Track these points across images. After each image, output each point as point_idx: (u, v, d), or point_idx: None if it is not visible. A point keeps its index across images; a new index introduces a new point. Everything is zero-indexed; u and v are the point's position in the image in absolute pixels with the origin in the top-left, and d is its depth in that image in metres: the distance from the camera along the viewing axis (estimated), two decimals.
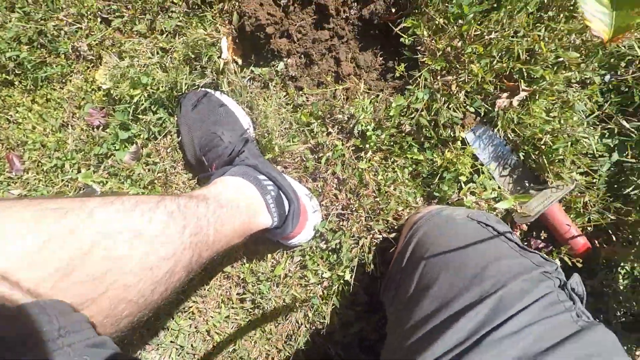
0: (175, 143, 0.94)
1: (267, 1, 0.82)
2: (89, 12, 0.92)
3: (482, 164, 0.86)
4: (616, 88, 0.84)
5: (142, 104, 0.90)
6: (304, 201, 0.86)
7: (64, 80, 0.99)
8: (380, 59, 0.92)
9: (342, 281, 0.89)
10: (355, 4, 0.88)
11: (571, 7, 0.76)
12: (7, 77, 0.98)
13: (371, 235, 0.88)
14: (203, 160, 0.88)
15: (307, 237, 0.87)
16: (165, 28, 0.86)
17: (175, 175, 0.96)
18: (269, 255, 0.93)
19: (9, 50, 0.93)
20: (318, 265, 0.90)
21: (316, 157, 0.92)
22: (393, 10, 0.86)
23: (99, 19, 0.93)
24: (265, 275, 0.92)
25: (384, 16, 0.86)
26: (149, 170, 0.95)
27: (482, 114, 0.83)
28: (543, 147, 0.78)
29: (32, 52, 0.94)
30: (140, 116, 0.92)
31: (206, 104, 0.89)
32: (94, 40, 0.93)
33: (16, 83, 1.00)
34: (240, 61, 0.90)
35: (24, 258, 0.38)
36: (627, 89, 0.84)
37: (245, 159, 0.83)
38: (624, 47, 0.77)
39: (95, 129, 0.98)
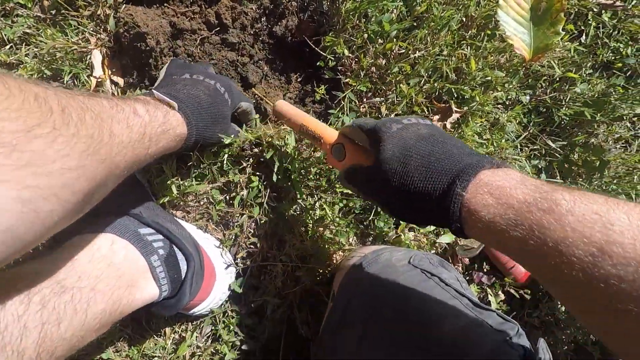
0: None
1: (153, 10, 0.66)
2: None
3: None
4: (535, 109, 0.83)
5: None
6: (211, 256, 0.67)
7: None
8: (298, 83, 0.81)
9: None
10: (264, 19, 0.76)
11: (491, 27, 0.73)
12: None
13: (300, 289, 0.72)
14: None
15: (217, 302, 0.68)
16: (8, 37, 0.64)
17: None
18: (168, 330, 0.71)
19: None
20: (236, 334, 0.71)
21: (227, 198, 0.75)
22: (309, 26, 0.76)
23: None
24: (165, 358, 0.70)
25: (299, 33, 0.76)
26: None
27: None
28: None
29: None
30: None
31: None
32: None
33: None
34: (121, 81, 0.71)
35: None
36: (544, 109, 0.83)
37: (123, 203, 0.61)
38: (544, 66, 0.76)
39: None
